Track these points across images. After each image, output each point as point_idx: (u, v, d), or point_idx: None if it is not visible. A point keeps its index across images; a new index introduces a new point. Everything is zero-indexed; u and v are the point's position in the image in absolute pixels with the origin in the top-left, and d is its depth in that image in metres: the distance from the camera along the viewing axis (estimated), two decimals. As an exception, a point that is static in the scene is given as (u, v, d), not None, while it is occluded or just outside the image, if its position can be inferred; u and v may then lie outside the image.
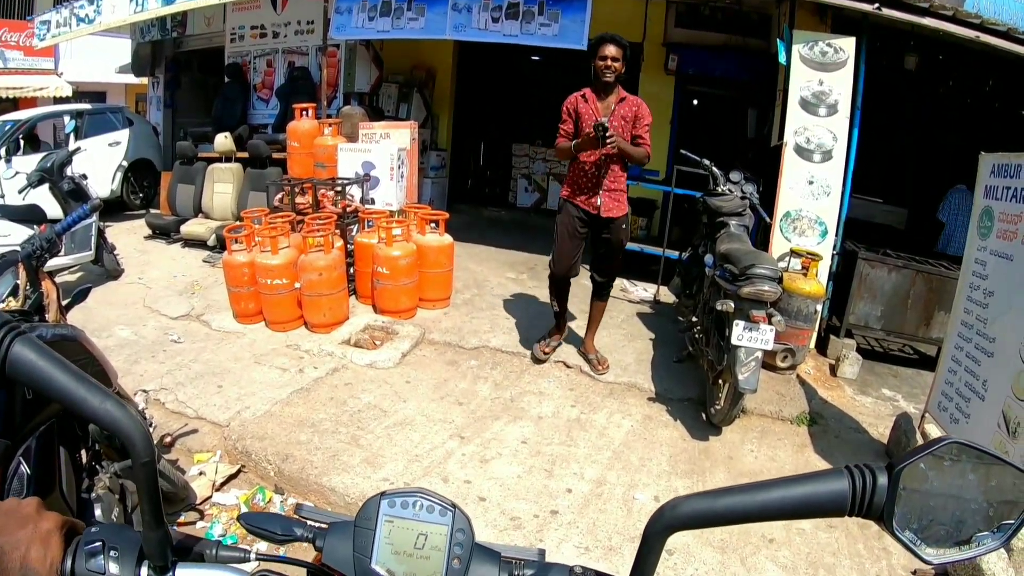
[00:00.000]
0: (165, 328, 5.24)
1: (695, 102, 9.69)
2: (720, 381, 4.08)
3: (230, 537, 3.06)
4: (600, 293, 4.65)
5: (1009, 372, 3.33)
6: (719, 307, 3.82)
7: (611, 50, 4.05)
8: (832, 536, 3.30)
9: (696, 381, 4.64)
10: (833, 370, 5.41)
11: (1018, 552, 3.23)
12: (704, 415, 4.25)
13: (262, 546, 2.27)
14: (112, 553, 0.70)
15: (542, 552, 0.80)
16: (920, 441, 4.04)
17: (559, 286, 4.59)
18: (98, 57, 14.83)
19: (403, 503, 0.74)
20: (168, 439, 3.72)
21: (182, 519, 3.11)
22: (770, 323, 3.66)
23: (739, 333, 3.64)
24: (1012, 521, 0.66)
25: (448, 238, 5.61)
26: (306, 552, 0.79)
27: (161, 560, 0.71)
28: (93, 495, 2.13)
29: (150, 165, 10.18)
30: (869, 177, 6.85)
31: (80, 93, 15.23)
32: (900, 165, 8.84)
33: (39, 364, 0.65)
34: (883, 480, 0.62)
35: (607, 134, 3.79)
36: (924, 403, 4.95)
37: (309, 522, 0.79)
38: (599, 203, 4.23)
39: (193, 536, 0.79)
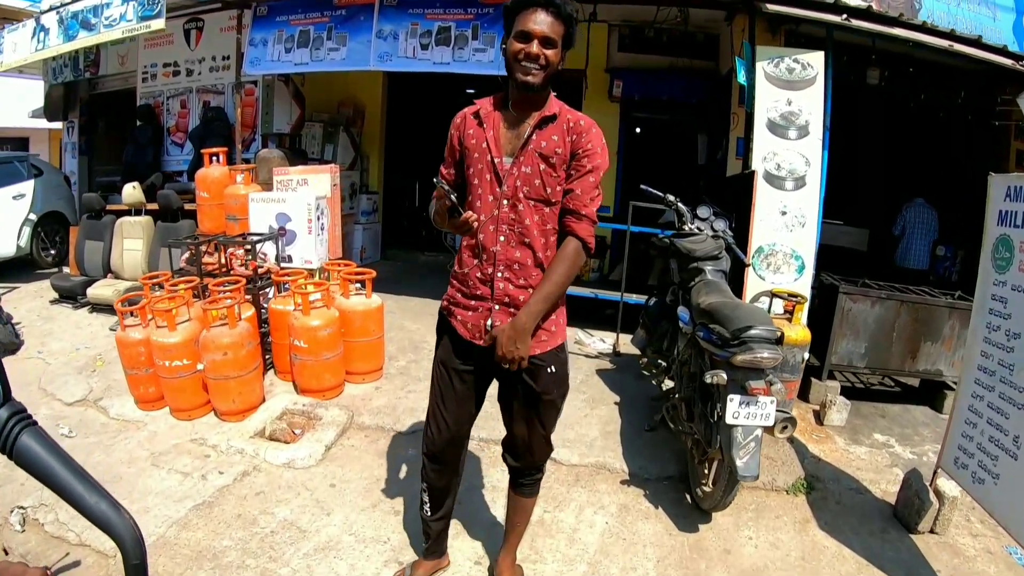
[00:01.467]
0: (58, 417, 4.46)
1: (637, 130, 9.33)
2: (707, 460, 3.48)
3: None
4: (519, 485, 2.73)
5: None
6: (709, 379, 3.16)
7: (540, 23, 2.15)
8: None
9: (674, 453, 4.04)
10: (819, 417, 4.93)
11: None
12: (689, 497, 3.65)
13: None
14: None
15: None
16: (934, 501, 3.54)
17: (435, 468, 2.70)
18: (15, 101, 13.91)
19: None
20: (48, 573, 2.94)
21: None
22: (771, 394, 3.07)
23: (735, 410, 3.02)
24: None
25: (376, 300, 4.91)
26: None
27: None
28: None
29: (62, 218, 9.25)
30: (831, 199, 6.49)
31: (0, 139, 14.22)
32: (861, 184, 8.62)
33: (42, 456, 0.69)
34: None
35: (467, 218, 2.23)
36: (921, 447, 4.55)
37: None
38: (490, 326, 2.36)
39: None
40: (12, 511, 3.36)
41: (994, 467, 3.12)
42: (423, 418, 4.18)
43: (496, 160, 2.28)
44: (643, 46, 8.09)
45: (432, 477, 2.70)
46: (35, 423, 0.71)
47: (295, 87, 8.66)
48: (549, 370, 2.42)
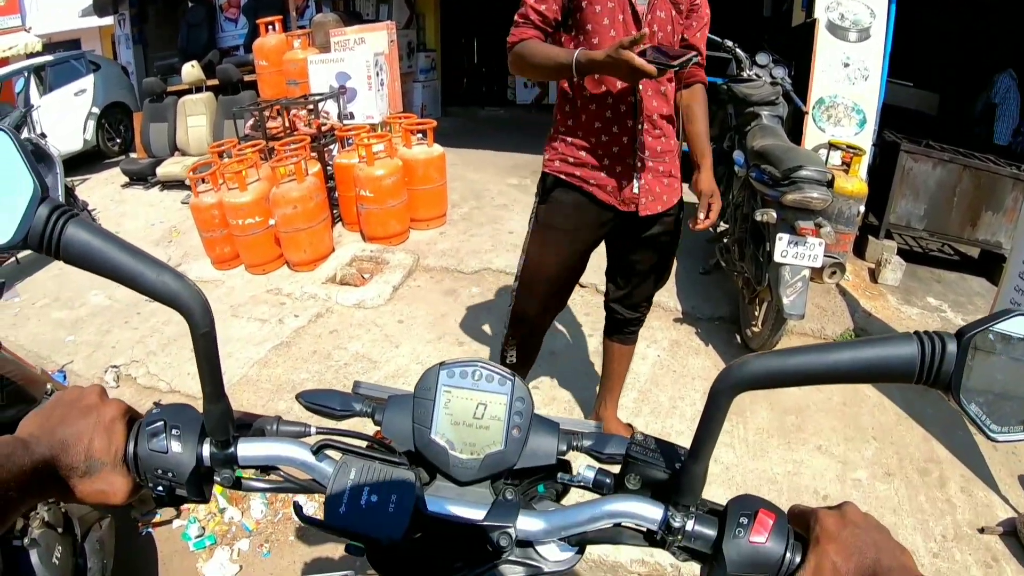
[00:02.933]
0: (139, 287, 4.76)
1: None
2: (757, 301, 3.55)
3: (208, 538, 2.63)
4: (624, 332, 2.67)
5: None
6: (759, 217, 3.20)
7: None
8: (891, 488, 2.86)
9: (726, 296, 4.12)
10: (873, 275, 4.90)
11: None
12: (739, 337, 3.76)
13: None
14: (174, 432, 0.71)
15: (599, 425, 0.79)
16: None
17: (525, 344, 2.59)
18: (63, 4, 13.91)
19: (462, 373, 0.73)
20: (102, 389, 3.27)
21: (157, 518, 2.71)
22: (819, 235, 3.09)
23: (783, 248, 3.06)
24: None
25: (438, 149, 5.00)
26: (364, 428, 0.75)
27: (223, 435, 0.73)
28: (26, 540, 1.82)
29: (124, 108, 9.44)
30: (899, 58, 6.17)
31: (52, 44, 14.34)
32: (933, 45, 8.13)
33: (94, 243, 0.65)
34: (952, 347, 0.58)
35: (669, 59, 1.79)
36: (974, 316, 4.47)
37: (367, 397, 0.79)
38: (636, 190, 2.17)
39: (251, 413, 0.79)
40: (106, 371, 3.68)
41: None
42: (487, 260, 4.41)
43: (635, 2, 2.01)
44: None
45: (524, 336, 2.56)
46: (77, 214, 0.66)
47: None
48: (677, 223, 2.36)
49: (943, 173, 5.07)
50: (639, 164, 2.14)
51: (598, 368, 3.40)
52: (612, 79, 2.01)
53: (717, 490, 2.69)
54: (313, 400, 0.78)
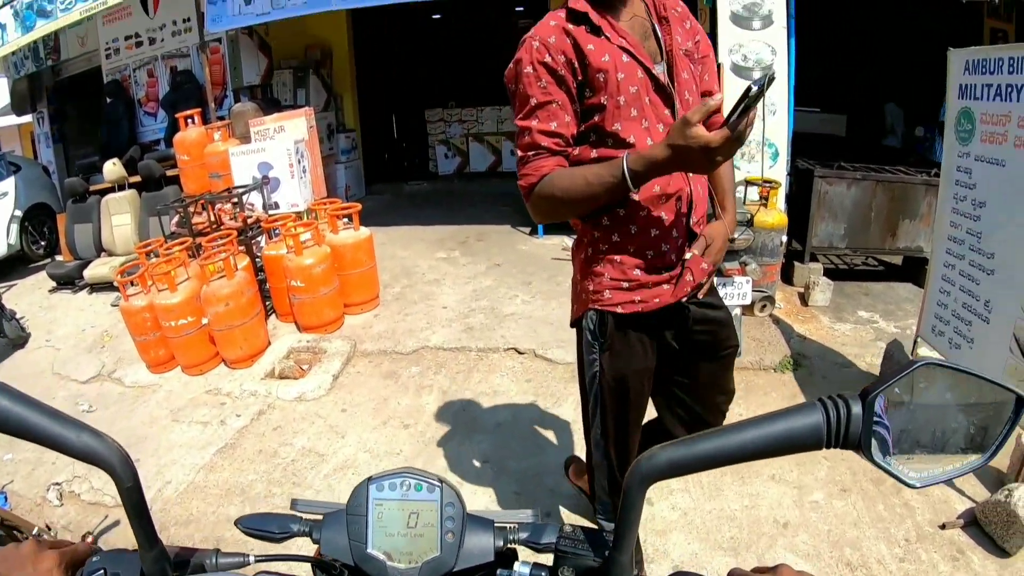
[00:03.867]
0: (76, 396, 4.62)
1: None
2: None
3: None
4: None
5: (1017, 290, 2.96)
6: None
7: None
8: (849, 503, 2.93)
9: None
10: (803, 299, 5.07)
11: None
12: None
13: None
14: None
15: (535, 513, 0.79)
16: None
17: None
18: (-24, 103, 13.66)
19: (391, 485, 0.74)
20: (90, 538, 3.13)
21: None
22: (745, 273, 3.20)
23: (712, 291, 3.17)
24: (996, 436, 0.66)
25: (365, 231, 5.03)
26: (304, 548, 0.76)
27: None
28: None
29: (47, 209, 9.19)
30: (806, 88, 6.47)
31: (-31, 142, 14.01)
32: (835, 70, 8.61)
33: (13, 410, 0.65)
34: (857, 409, 0.60)
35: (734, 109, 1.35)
36: (905, 321, 4.69)
37: (304, 516, 0.79)
38: (691, 276, 1.80)
39: (189, 548, 0.78)
40: (48, 489, 3.55)
41: (968, 332, 3.30)
42: (424, 338, 4.42)
43: (655, 70, 1.64)
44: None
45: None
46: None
47: (260, 38, 8.55)
48: (724, 309, 1.99)
49: (857, 191, 5.29)
50: (687, 256, 1.78)
51: (545, 435, 3.42)
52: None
53: (678, 536, 2.74)
54: (251, 525, 0.78)
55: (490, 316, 4.70)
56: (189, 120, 6.34)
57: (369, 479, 0.75)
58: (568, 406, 3.66)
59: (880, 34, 8.40)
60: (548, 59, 1.59)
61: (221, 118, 7.12)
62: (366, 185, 9.54)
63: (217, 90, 8.12)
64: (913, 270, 5.59)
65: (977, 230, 3.21)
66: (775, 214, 4.68)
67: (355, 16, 8.98)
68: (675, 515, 2.85)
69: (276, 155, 5.47)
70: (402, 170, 10.61)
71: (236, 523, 0.79)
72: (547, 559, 0.76)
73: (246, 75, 8.41)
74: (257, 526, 0.78)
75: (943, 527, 2.83)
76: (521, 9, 11.03)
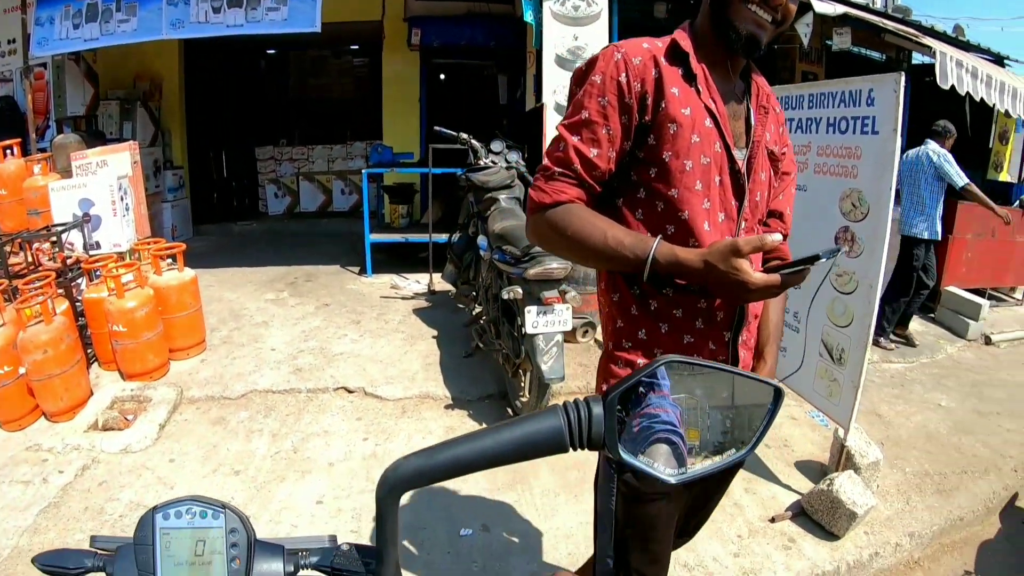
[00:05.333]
0: None
1: (442, 76, 9.47)
2: (520, 372, 3.72)
3: None
4: None
5: (821, 301, 3.32)
6: (506, 295, 3.40)
7: None
8: None
9: (491, 374, 4.26)
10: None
11: (866, 469, 3.27)
12: (509, 410, 3.89)
13: None
14: None
15: (332, 537, 0.79)
16: None
17: None
18: None
19: (176, 513, 0.72)
20: None
21: None
22: (565, 301, 3.33)
23: (533, 320, 3.25)
24: (757, 428, 0.70)
25: (190, 273, 4.73)
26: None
27: None
28: None
29: None
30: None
31: None
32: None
33: None
34: (598, 410, 0.63)
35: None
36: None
37: (99, 552, 0.76)
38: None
39: None
40: None
41: (782, 342, 3.61)
42: (252, 382, 4.24)
43: (735, 154, 1.41)
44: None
45: None
46: None
47: (87, 65, 7.97)
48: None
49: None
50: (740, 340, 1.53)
51: (378, 472, 3.34)
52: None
53: (517, 560, 2.77)
54: (47, 562, 0.76)
55: (319, 356, 4.58)
56: (7, 150, 5.72)
57: (154, 508, 0.73)
58: (399, 440, 3.62)
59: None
60: (623, 79, 1.34)
61: (42, 150, 6.49)
62: (194, 225, 9.04)
63: (39, 119, 7.44)
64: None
65: None
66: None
67: (188, 47, 8.59)
68: (516, 537, 2.90)
69: (98, 191, 5.04)
70: (231, 210, 10.15)
71: (33, 561, 0.76)
72: None
73: (70, 104, 7.82)
74: (53, 562, 0.76)
75: (773, 520, 3.07)
76: (356, 48, 11.03)
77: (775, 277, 1.21)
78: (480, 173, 4.41)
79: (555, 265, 3.28)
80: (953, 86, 6.00)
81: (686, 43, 1.39)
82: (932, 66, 6.08)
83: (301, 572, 0.77)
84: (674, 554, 2.76)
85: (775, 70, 7.84)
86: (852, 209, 3.11)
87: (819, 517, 3.06)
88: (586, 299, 4.45)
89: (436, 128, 4.78)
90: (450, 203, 6.22)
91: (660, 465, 0.67)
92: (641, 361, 1.47)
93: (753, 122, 1.46)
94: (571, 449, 0.63)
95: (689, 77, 1.37)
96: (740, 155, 1.42)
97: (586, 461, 3.47)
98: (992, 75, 6.41)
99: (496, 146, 4.68)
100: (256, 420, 3.92)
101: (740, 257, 1.19)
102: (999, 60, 8.15)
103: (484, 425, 3.67)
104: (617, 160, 1.38)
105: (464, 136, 4.66)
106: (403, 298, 5.91)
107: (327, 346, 4.74)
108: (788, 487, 3.36)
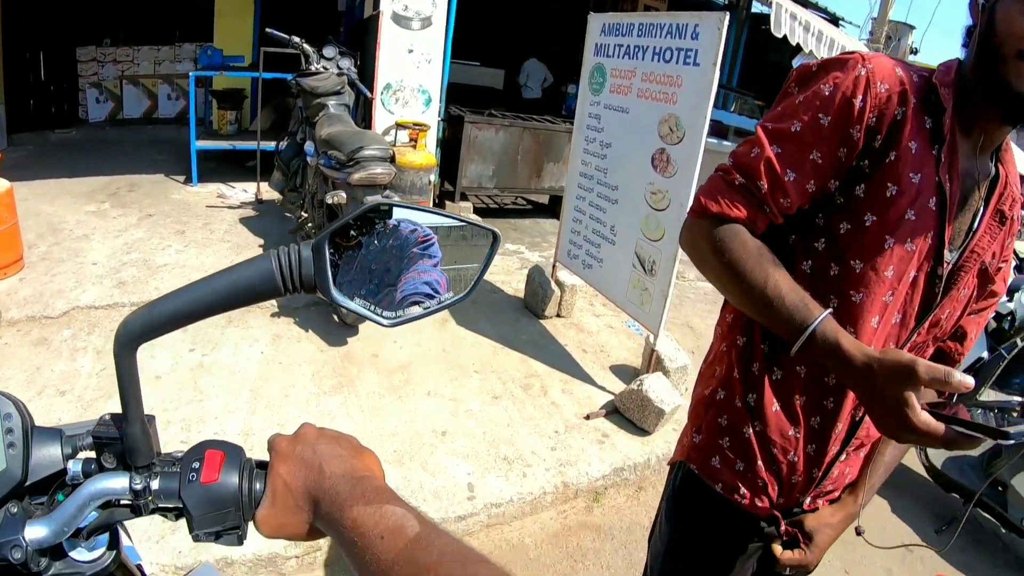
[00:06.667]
0: None
1: None
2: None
3: None
4: None
5: (636, 216, 3.54)
6: (329, 200, 3.40)
7: None
8: (501, 408, 3.33)
9: None
10: (452, 235, 5.45)
11: (675, 372, 3.60)
12: (335, 316, 3.95)
13: None
14: None
15: (104, 417, 0.74)
16: (556, 290, 4.26)
17: None
18: None
19: None
20: None
21: None
22: (391, 211, 3.38)
23: (357, 225, 3.30)
24: (477, 271, 0.73)
25: (4, 184, 4.32)
26: None
27: None
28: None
29: None
30: (467, 42, 6.90)
31: None
32: (496, 29, 9.33)
33: None
34: (307, 252, 0.64)
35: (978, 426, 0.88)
36: (548, 252, 5.32)
37: None
38: (808, 498, 1.32)
39: None
40: None
41: (598, 253, 3.89)
42: (74, 299, 4.03)
43: (944, 255, 1.12)
44: None
45: None
46: None
47: None
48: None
49: (505, 137, 5.83)
50: (808, 486, 1.29)
51: (208, 381, 3.34)
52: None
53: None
54: None
55: (143, 268, 4.40)
56: None
57: None
58: (226, 350, 3.59)
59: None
60: (858, 103, 1.05)
61: None
62: (8, 135, 8.16)
63: None
64: (557, 207, 6.24)
65: (604, 167, 3.77)
66: (424, 154, 4.97)
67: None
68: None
69: None
70: (49, 117, 9.20)
71: None
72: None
73: None
74: None
75: (587, 417, 3.36)
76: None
77: (940, 428, 0.90)
78: (310, 78, 4.30)
79: (379, 170, 3.31)
80: (785, 36, 6.42)
81: (947, 87, 1.08)
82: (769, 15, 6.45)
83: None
84: (493, 447, 3.04)
85: (617, 2, 8.03)
86: (669, 133, 3.29)
87: (631, 415, 3.37)
88: (419, 204, 4.52)
89: (268, 30, 4.57)
90: (281, 110, 6.02)
91: (376, 309, 0.68)
92: (724, 439, 1.29)
93: (979, 226, 1.14)
94: (285, 292, 0.64)
95: (936, 134, 1.07)
96: (950, 256, 1.13)
97: (410, 363, 3.67)
98: (823, 31, 6.87)
99: (329, 52, 4.56)
100: (80, 338, 3.75)
101: (915, 383, 0.90)
102: (834, 20, 8.81)
103: (310, 332, 3.75)
104: (815, 196, 1.11)
105: (296, 40, 4.48)
106: (230, 207, 5.74)
107: (151, 258, 4.56)
108: (603, 388, 3.66)
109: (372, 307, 0.68)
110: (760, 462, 1.25)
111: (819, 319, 1.00)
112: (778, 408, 1.22)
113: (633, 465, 3.14)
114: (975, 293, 1.19)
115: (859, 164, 1.07)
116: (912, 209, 1.06)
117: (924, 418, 0.90)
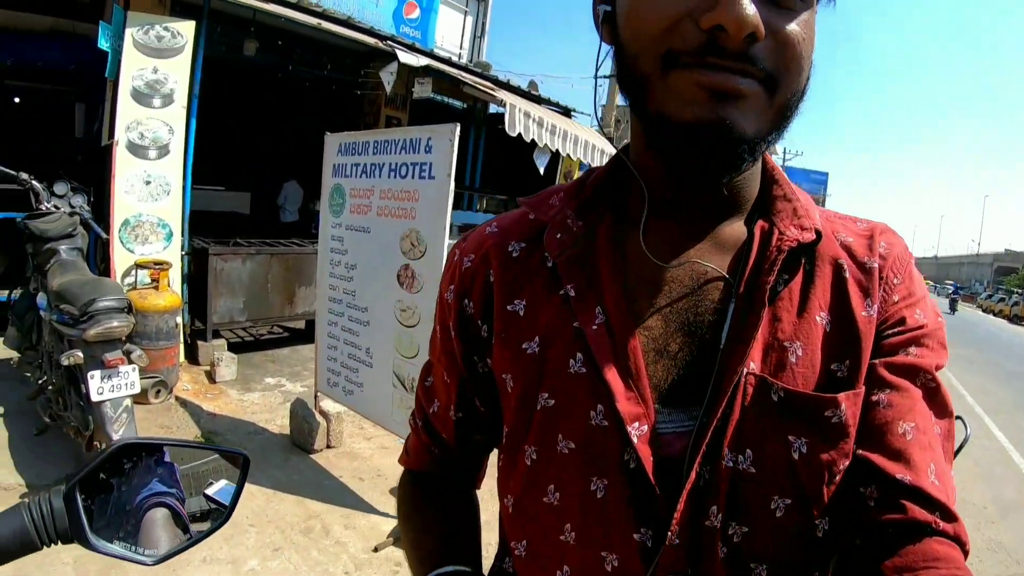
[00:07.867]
0: None
1: (16, 100, 8.27)
2: (96, 444, 3.43)
3: None
4: None
5: (389, 336, 3.57)
6: (65, 361, 3.09)
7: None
8: (284, 560, 3.15)
9: (71, 451, 3.77)
10: (211, 376, 5.21)
11: None
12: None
13: None
14: None
15: None
16: (321, 421, 4.17)
17: None
18: None
19: None
20: None
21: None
22: (131, 362, 3.18)
23: (98, 386, 3.03)
24: (231, 497, 0.77)
25: None
26: None
27: None
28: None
29: None
30: (209, 167, 6.75)
31: None
32: (240, 152, 9.22)
33: None
34: (59, 503, 0.60)
35: None
36: (309, 381, 5.21)
37: None
38: None
39: None
40: None
41: (357, 378, 3.86)
42: None
43: (635, 426, 0.64)
44: (19, 2, 6.76)
45: None
46: None
47: None
48: None
49: (253, 265, 5.72)
50: None
51: None
52: None
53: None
54: None
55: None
56: None
57: None
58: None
59: (286, 117, 9.27)
60: (449, 297, 0.81)
61: None
62: None
63: None
64: (314, 332, 6.23)
65: (352, 289, 3.81)
66: (167, 295, 4.77)
67: None
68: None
69: None
70: None
71: None
72: None
73: None
74: None
75: (376, 550, 3.23)
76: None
77: None
78: (40, 220, 3.94)
79: (115, 323, 3.10)
80: (520, 134, 6.89)
81: (563, 201, 0.76)
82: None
83: None
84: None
85: (361, 114, 8.34)
86: (412, 248, 3.36)
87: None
88: (158, 355, 4.29)
89: None
90: (14, 254, 5.37)
91: (136, 550, 0.65)
92: None
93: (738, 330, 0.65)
94: (44, 547, 0.60)
95: (553, 278, 0.72)
96: (671, 426, 0.65)
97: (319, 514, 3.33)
98: (557, 124, 7.52)
99: (60, 188, 4.26)
100: None
101: None
102: (567, 112, 9.72)
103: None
104: (476, 420, 0.84)
105: (24, 176, 4.10)
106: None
107: None
108: (387, 515, 3.57)
109: (132, 547, 0.66)
110: None
111: None
112: None
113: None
114: (829, 456, 0.63)
115: (482, 370, 0.80)
116: (544, 391, 0.70)
117: None
